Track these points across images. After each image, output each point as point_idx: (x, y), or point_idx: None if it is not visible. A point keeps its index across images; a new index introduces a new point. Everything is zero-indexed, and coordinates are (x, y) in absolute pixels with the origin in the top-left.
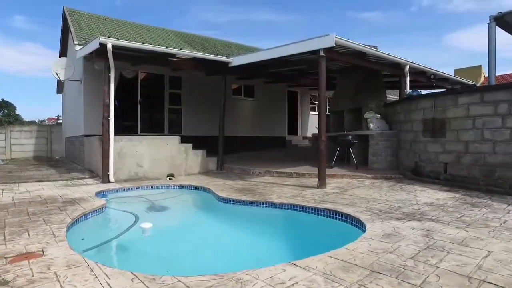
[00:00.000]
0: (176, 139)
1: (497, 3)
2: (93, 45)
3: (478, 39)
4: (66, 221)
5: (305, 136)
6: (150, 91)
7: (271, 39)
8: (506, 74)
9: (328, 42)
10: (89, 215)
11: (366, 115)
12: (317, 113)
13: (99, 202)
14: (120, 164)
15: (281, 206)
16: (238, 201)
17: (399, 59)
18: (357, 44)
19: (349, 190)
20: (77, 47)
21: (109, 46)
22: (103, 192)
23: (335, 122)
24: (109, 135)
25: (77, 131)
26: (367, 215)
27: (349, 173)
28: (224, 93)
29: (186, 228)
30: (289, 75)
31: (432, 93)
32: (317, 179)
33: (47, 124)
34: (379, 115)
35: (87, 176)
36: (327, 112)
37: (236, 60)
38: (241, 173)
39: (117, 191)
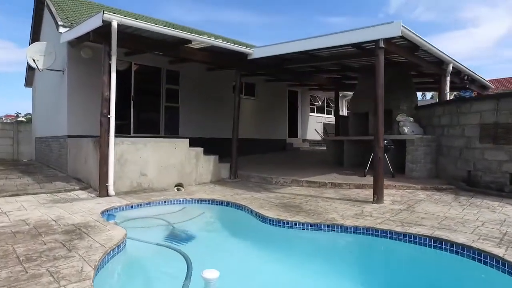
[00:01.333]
0: (185, 142)
1: (455, 15)
2: (91, 24)
3: (439, 47)
4: (87, 272)
5: (305, 139)
6: (145, 86)
7: (239, 39)
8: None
9: (393, 31)
10: (111, 255)
11: (399, 117)
12: (317, 114)
13: (117, 231)
14: (120, 173)
15: (355, 230)
16: (295, 224)
17: (446, 56)
18: (418, 36)
19: (414, 206)
20: (62, 29)
21: (114, 24)
22: (108, 211)
23: (356, 125)
24: (108, 137)
25: (55, 131)
26: (493, 246)
27: (391, 182)
28: (238, 91)
29: (245, 270)
30: (304, 72)
31: (494, 94)
32: (360, 190)
33: (4, 122)
34: (412, 118)
35: (76, 187)
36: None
37: (258, 52)
38: (261, 182)
39: (123, 208)
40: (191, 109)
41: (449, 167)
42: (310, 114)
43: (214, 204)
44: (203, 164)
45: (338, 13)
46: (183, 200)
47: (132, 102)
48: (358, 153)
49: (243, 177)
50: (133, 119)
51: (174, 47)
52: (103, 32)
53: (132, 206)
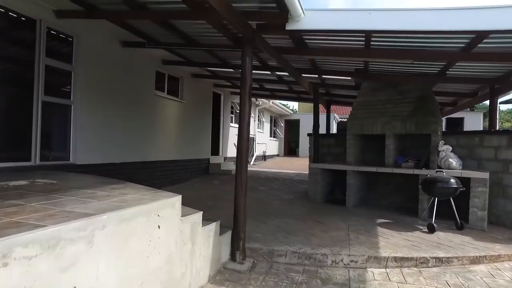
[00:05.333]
0: (174, 202)
1: None
2: None
3: None
4: None
5: (226, 157)
6: None
7: None
8: None
9: None
10: None
11: (441, 146)
12: (235, 125)
13: None
14: None
15: None
16: None
17: None
18: None
19: None
20: None
21: None
22: None
23: (361, 150)
24: None
25: None
26: None
27: (499, 247)
28: (250, 86)
29: None
30: (301, 69)
31: None
32: (484, 267)
33: None
34: (451, 147)
35: None
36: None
37: (316, 19)
38: (303, 263)
39: None
40: (94, 110)
41: None
42: (231, 124)
43: None
44: (201, 248)
45: None
46: None
47: None
48: (362, 187)
49: (256, 254)
50: None
51: None
52: None
53: None
